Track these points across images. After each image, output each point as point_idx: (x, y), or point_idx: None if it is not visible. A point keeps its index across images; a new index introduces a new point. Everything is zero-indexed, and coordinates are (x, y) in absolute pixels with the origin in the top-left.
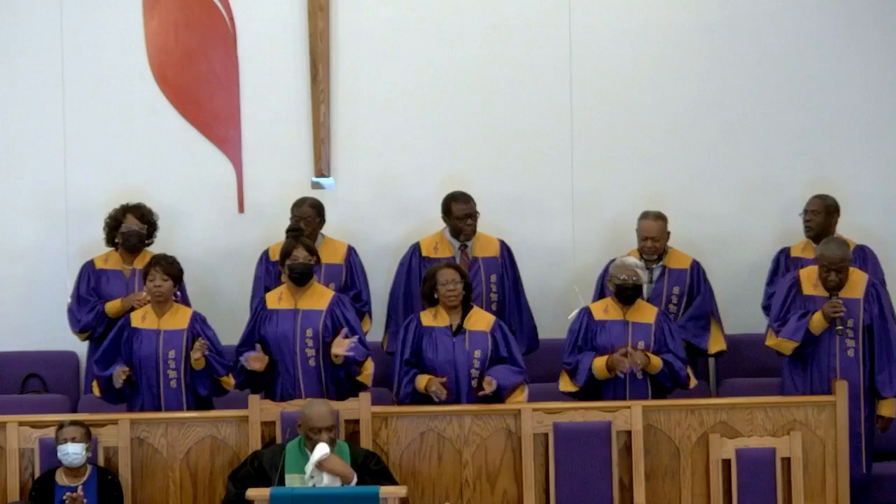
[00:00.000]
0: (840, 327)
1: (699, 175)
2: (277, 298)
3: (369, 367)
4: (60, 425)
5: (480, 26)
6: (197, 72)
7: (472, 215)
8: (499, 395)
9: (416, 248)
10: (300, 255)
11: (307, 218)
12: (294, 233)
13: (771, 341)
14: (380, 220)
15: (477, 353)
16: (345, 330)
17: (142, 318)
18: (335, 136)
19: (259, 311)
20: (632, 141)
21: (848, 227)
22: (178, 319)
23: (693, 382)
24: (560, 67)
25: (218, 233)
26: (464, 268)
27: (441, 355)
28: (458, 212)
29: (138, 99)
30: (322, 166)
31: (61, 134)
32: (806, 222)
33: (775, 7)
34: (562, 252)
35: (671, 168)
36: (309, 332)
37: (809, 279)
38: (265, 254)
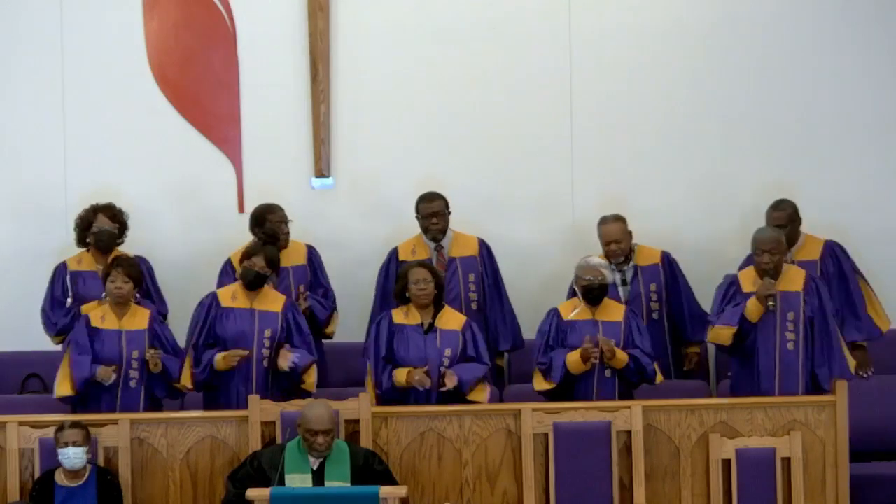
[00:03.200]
0: (772, 304)
1: (699, 176)
2: (231, 297)
3: (312, 376)
4: (60, 427)
5: (480, 26)
6: (197, 72)
7: (438, 214)
8: (460, 391)
9: (394, 252)
10: (257, 263)
11: (282, 222)
12: (267, 240)
13: (710, 335)
14: (380, 220)
15: (448, 352)
16: (286, 345)
17: (101, 319)
18: (335, 136)
19: (212, 308)
20: (631, 141)
21: (848, 227)
22: (138, 320)
23: (660, 378)
24: (560, 68)
25: (218, 233)
26: (440, 269)
27: (413, 353)
28: (423, 211)
29: (138, 99)
30: (322, 166)
31: (61, 134)
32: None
33: (776, 7)
34: (562, 252)
35: (671, 168)
36: (268, 333)
37: (748, 278)
38: (227, 263)
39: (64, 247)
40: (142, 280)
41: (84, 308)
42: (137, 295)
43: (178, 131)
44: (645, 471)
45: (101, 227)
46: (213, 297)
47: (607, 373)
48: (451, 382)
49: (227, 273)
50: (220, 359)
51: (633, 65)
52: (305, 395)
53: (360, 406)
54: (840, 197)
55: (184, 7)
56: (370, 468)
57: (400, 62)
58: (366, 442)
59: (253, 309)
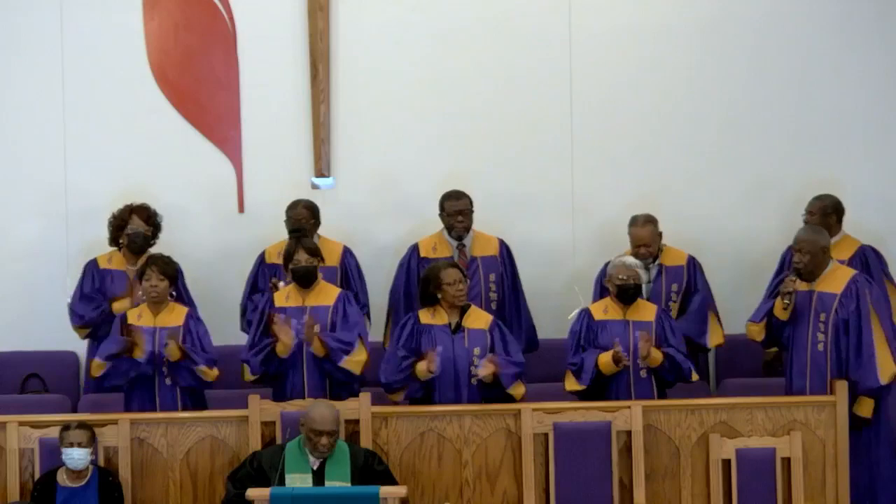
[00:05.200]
0: (787, 302)
1: (699, 174)
2: (285, 297)
3: (360, 354)
4: (66, 426)
5: (480, 26)
6: (197, 72)
7: (464, 212)
8: (501, 384)
9: (414, 248)
10: (302, 257)
11: (302, 219)
12: (296, 234)
13: (746, 330)
14: (380, 220)
15: (476, 351)
16: (315, 324)
17: (137, 317)
18: (335, 136)
19: (267, 311)
20: (631, 141)
21: (846, 225)
22: (173, 317)
23: (695, 377)
24: (560, 68)
25: (218, 233)
26: (462, 267)
27: (441, 353)
28: (450, 209)
29: (138, 99)
30: (322, 166)
31: (61, 134)
32: (805, 224)
33: (775, 5)
34: (562, 252)
35: (671, 168)
36: (317, 329)
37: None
38: (261, 256)
39: (64, 246)
40: (177, 278)
41: (115, 306)
42: (173, 293)
43: (178, 131)
44: (645, 471)
45: (135, 228)
46: (268, 298)
47: (643, 373)
48: (485, 370)
49: (257, 264)
50: (282, 347)
51: (634, 64)
52: (354, 381)
53: (360, 406)
54: (839, 197)
55: (184, 7)
56: (370, 468)
57: (400, 62)
58: (366, 442)
59: (305, 306)
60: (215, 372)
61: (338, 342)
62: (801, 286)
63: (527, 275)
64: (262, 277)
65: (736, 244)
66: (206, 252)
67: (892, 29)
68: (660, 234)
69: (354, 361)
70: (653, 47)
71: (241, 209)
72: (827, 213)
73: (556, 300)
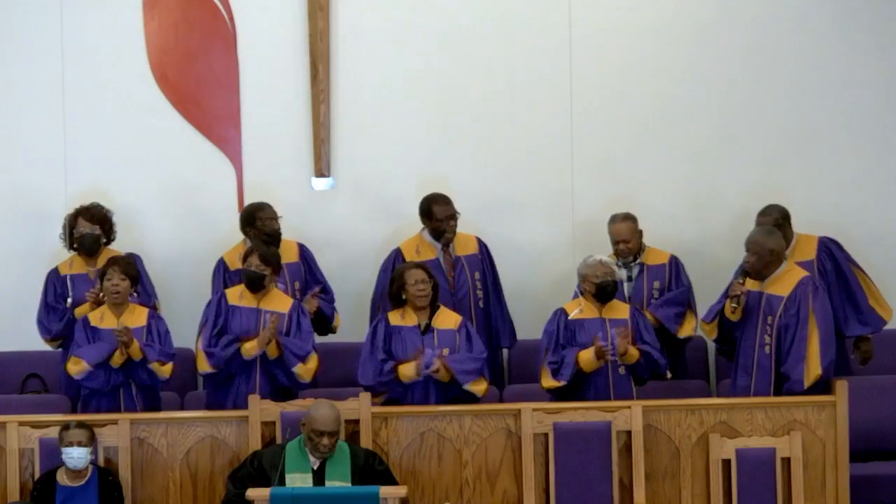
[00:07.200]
0: (734, 305)
1: (698, 174)
2: (238, 296)
3: (312, 363)
4: (66, 426)
5: (480, 26)
6: (197, 72)
7: (454, 216)
8: (458, 382)
9: (397, 252)
10: (253, 262)
11: (274, 219)
12: (267, 238)
13: (700, 327)
14: (380, 220)
15: (445, 352)
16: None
17: (100, 318)
18: (335, 136)
19: (221, 304)
20: (631, 141)
21: (842, 229)
22: (136, 318)
23: (669, 373)
24: (560, 68)
25: (218, 233)
26: (449, 268)
27: (411, 353)
28: (441, 214)
29: (138, 99)
30: (322, 166)
31: (61, 134)
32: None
33: (774, 7)
34: (562, 252)
35: (670, 168)
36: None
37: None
38: (223, 264)
39: (64, 248)
40: (138, 278)
41: (77, 311)
42: (134, 293)
43: (178, 131)
44: (645, 471)
45: (82, 230)
46: (221, 295)
47: (621, 370)
48: (435, 366)
49: (220, 272)
50: (253, 345)
51: (634, 65)
52: (298, 388)
53: (360, 406)
54: (836, 198)
55: (184, 7)
56: (370, 468)
57: (400, 62)
58: (366, 442)
59: (259, 308)
60: (168, 367)
61: (294, 347)
62: (754, 286)
63: (527, 276)
64: (231, 284)
65: (735, 244)
66: (206, 252)
67: (886, 32)
68: (640, 232)
69: (307, 369)
70: (653, 47)
71: (241, 209)
72: (779, 224)
73: (555, 300)
